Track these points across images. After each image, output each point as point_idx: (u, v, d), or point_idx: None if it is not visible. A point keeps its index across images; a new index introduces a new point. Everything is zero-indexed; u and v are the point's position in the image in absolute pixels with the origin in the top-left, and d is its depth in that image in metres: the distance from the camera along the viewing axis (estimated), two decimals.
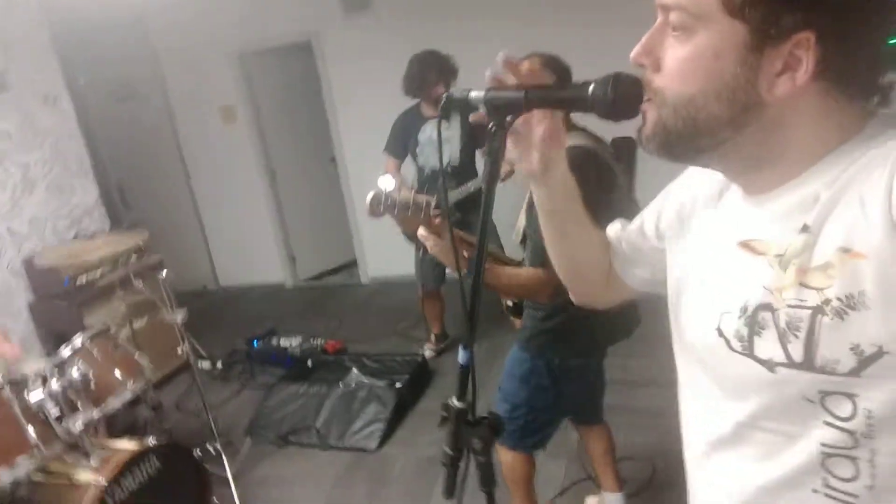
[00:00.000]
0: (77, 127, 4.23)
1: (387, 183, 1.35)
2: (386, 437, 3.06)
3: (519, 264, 1.68)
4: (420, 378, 3.51)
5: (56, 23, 4.16)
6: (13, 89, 3.79)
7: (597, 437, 2.23)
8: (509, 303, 1.92)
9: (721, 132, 0.64)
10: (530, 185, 0.85)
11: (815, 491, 0.64)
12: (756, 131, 0.63)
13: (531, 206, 1.67)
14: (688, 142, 0.66)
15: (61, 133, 4.09)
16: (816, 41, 0.57)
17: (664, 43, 0.65)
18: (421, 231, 1.42)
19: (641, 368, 2.84)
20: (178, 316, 2.74)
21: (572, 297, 1.05)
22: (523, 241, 1.70)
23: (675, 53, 0.64)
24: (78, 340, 2.36)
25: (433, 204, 1.41)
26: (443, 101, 0.81)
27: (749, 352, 0.65)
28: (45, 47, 4.06)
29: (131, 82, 5.51)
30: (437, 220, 1.42)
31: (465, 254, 1.37)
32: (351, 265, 5.83)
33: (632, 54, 0.67)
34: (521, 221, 1.75)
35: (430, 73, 3.36)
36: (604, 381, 2.17)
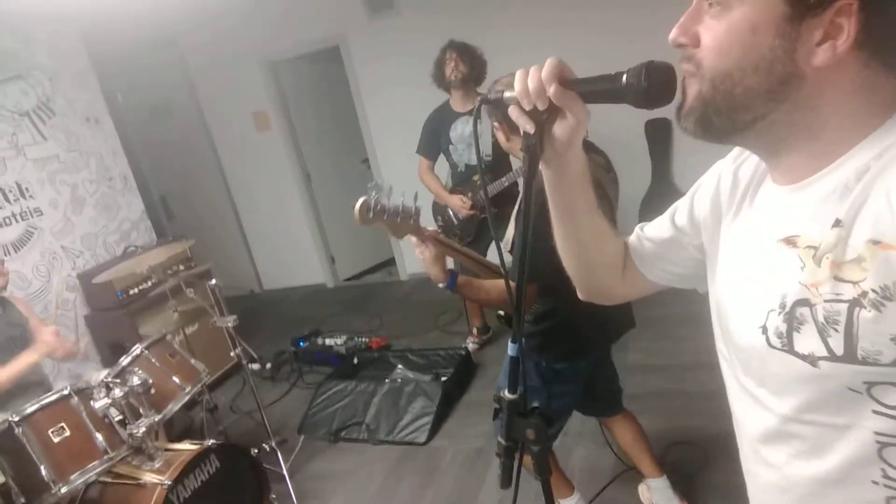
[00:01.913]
0: (119, 145, 4.40)
1: (376, 188, 1.37)
2: (434, 431, 3.11)
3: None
4: (465, 371, 3.55)
5: (92, 44, 4.32)
6: (59, 114, 3.97)
7: (620, 428, 2.22)
8: (501, 312, 1.94)
9: (758, 107, 0.64)
10: (541, 168, 0.83)
11: (874, 483, 0.62)
12: (792, 107, 0.63)
13: (520, 213, 1.67)
14: (725, 118, 0.66)
15: (105, 152, 4.26)
16: (859, 7, 0.56)
17: (701, 21, 0.65)
18: (412, 239, 1.45)
19: (688, 352, 2.81)
20: (230, 321, 2.83)
21: (580, 294, 1.02)
22: (512, 249, 1.69)
23: (713, 29, 0.64)
24: (137, 349, 2.47)
25: (420, 211, 1.42)
26: (477, 103, 0.82)
27: (789, 348, 0.64)
28: (86, 72, 4.23)
29: (167, 98, 5.68)
30: (427, 230, 1.44)
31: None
32: (389, 263, 5.91)
33: (670, 37, 0.68)
34: (510, 231, 1.76)
35: (447, 52, 3.37)
36: (612, 380, 2.18)
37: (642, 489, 2.39)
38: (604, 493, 2.42)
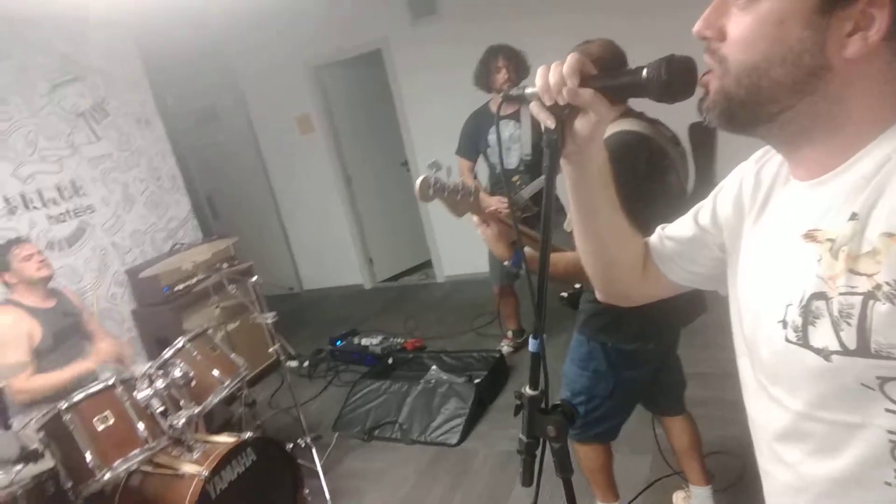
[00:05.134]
0: (169, 146, 4.56)
1: (436, 166, 1.37)
2: (466, 433, 3.11)
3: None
4: (498, 374, 3.54)
5: (144, 50, 4.49)
6: (112, 115, 4.14)
7: (679, 429, 2.16)
8: (564, 294, 1.90)
9: (784, 99, 0.63)
10: (562, 164, 0.83)
11: (888, 484, 0.60)
12: (819, 99, 0.62)
13: None
14: (749, 110, 0.65)
15: (155, 152, 4.42)
16: None
17: (727, 13, 0.65)
18: (473, 218, 1.45)
19: (729, 361, 2.74)
20: (269, 318, 2.89)
21: (598, 294, 1.01)
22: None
23: (739, 21, 0.63)
24: (179, 342, 2.55)
25: (481, 189, 1.42)
26: (500, 102, 0.83)
27: (804, 342, 0.63)
28: (138, 75, 4.41)
29: (215, 102, 5.86)
30: (487, 208, 1.44)
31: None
32: (426, 265, 5.94)
33: (695, 28, 0.67)
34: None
35: (494, 59, 3.36)
36: (678, 371, 2.12)
37: (678, 497, 2.34)
38: (637, 500, 2.38)
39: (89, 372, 2.60)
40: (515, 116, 3.44)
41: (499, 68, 3.34)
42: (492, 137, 3.53)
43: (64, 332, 2.79)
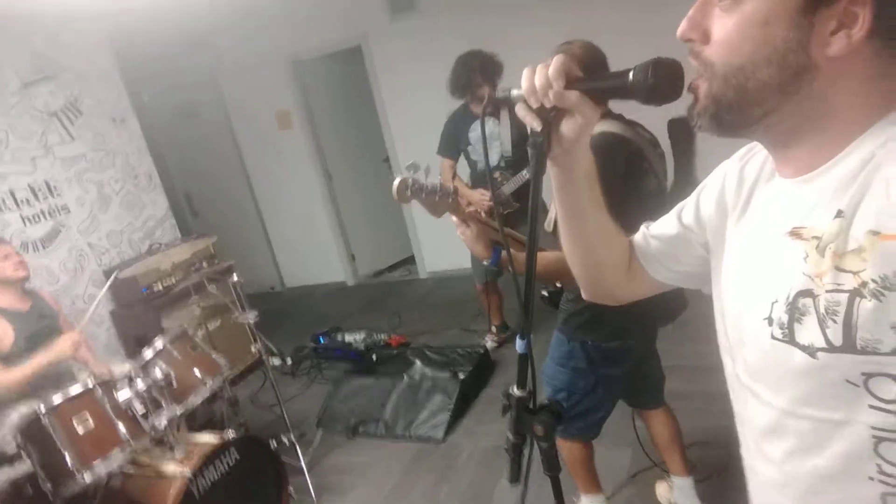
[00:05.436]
0: (144, 144, 4.48)
1: (413, 168, 1.36)
2: (451, 428, 3.12)
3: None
4: (482, 369, 3.55)
5: (119, 45, 4.41)
6: (86, 114, 4.06)
7: (659, 422, 2.20)
8: (544, 292, 1.92)
9: (770, 100, 0.63)
10: (548, 166, 0.83)
11: (870, 479, 0.61)
12: (804, 98, 0.62)
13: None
14: (737, 113, 0.65)
15: (130, 151, 4.34)
16: None
17: (711, 15, 0.65)
18: (453, 218, 1.45)
19: (711, 354, 2.78)
20: (251, 317, 2.86)
21: (584, 294, 1.02)
22: (555, 230, 1.69)
23: (723, 23, 0.63)
24: (159, 343, 2.52)
25: (459, 189, 1.41)
26: (485, 103, 0.83)
27: (790, 339, 0.64)
28: (111, 72, 4.32)
29: (193, 97, 5.76)
30: (467, 208, 1.44)
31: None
32: (409, 261, 5.94)
33: (678, 31, 0.67)
34: (553, 211, 1.75)
35: (473, 74, 3.38)
36: (656, 366, 2.14)
37: (661, 488, 2.37)
38: (620, 492, 2.41)
39: (51, 364, 2.54)
40: (495, 114, 3.46)
41: (479, 84, 3.37)
42: (472, 135, 3.56)
43: (39, 335, 2.73)
